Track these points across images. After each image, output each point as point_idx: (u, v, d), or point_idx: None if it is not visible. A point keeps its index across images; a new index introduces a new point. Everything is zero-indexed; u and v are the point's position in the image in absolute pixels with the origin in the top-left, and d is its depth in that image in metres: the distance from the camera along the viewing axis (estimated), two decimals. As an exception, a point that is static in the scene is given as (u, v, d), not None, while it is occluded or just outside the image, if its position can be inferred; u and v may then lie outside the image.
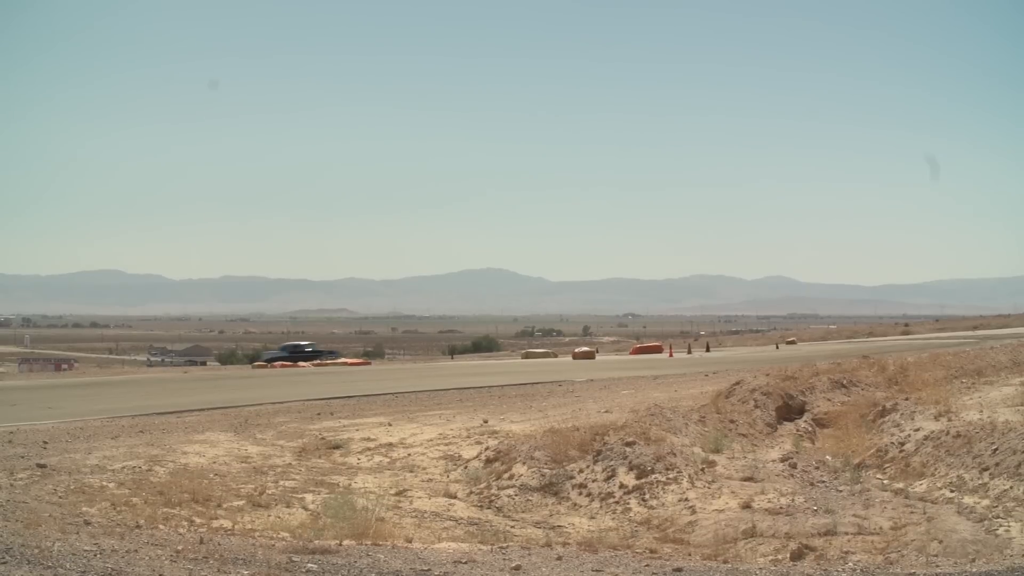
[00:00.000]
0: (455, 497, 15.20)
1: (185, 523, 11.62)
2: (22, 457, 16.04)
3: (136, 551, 9.52)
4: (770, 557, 11.04)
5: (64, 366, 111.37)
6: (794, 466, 16.69)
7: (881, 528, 12.15)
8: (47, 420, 23.33)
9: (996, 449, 14.50)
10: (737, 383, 24.27)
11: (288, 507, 13.40)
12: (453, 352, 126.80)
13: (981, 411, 18.44)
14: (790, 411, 22.92)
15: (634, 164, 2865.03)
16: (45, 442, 18.39)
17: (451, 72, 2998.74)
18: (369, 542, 10.92)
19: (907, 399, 20.60)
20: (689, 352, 66.48)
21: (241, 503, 13.31)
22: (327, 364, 66.13)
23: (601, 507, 14.63)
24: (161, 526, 11.12)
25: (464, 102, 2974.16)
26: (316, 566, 9.33)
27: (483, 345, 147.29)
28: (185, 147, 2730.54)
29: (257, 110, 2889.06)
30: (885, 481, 15.76)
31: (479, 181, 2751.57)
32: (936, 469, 15.35)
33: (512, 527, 13.50)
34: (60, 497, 12.54)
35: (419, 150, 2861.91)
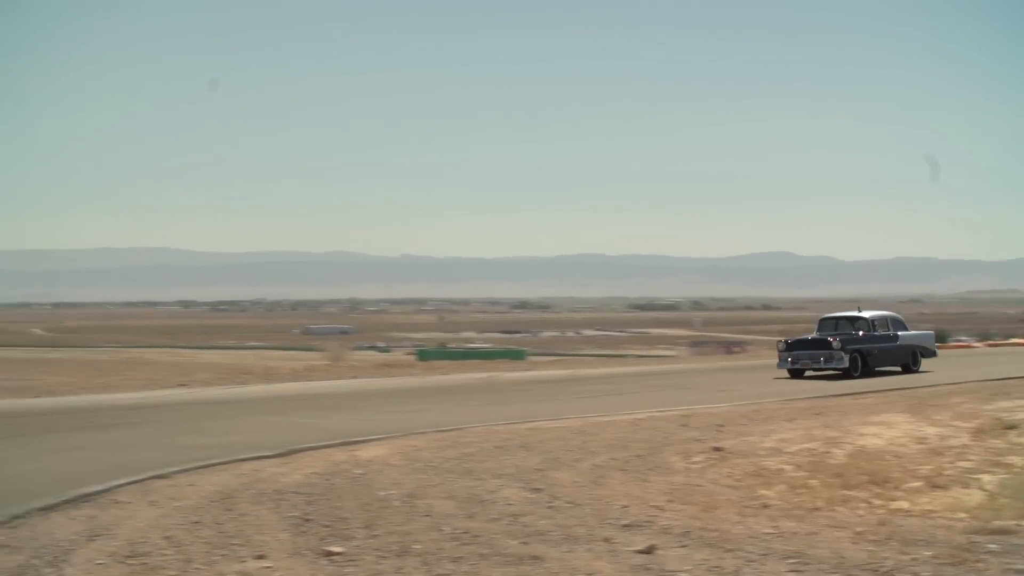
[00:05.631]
0: None
1: (863, 505, 11.39)
2: (697, 440, 16.47)
3: (816, 533, 9.50)
4: None
5: (735, 348, 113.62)
6: None
7: None
8: (721, 403, 23.92)
9: None
10: None
11: (964, 488, 12.78)
12: None
13: None
14: None
15: None
16: (720, 425, 18.75)
17: None
18: (1054, 521, 10.19)
19: None
20: None
21: (918, 484, 12.86)
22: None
23: None
24: (839, 508, 10.99)
25: None
26: (997, 547, 8.85)
27: None
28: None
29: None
30: None
31: None
32: None
33: None
34: (736, 480, 12.74)
35: None
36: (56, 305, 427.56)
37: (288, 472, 13.38)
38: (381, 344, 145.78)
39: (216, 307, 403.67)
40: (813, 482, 12.54)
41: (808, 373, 33.41)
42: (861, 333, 34.40)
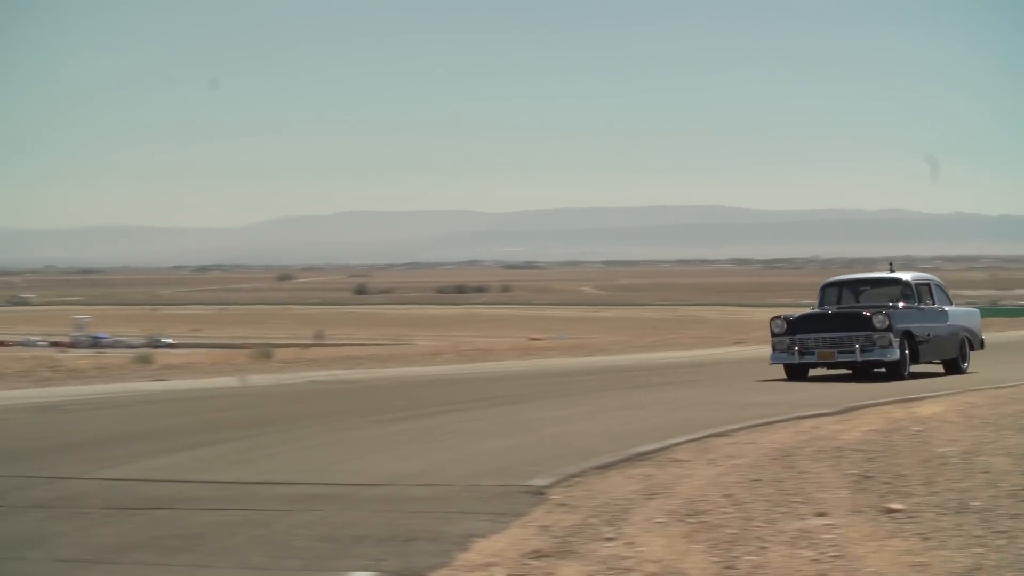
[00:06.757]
0: None
1: None
2: None
3: None
4: None
5: None
6: None
7: None
8: None
9: None
10: None
11: None
12: None
13: None
14: None
15: None
16: None
17: None
18: None
19: None
20: None
21: None
22: None
23: None
24: None
25: None
26: None
27: None
28: None
29: None
30: None
31: None
32: None
33: None
34: None
35: None
36: (607, 263, 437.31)
37: (847, 429, 13.46)
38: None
39: (770, 265, 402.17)
40: None
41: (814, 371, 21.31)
42: (901, 305, 21.25)
